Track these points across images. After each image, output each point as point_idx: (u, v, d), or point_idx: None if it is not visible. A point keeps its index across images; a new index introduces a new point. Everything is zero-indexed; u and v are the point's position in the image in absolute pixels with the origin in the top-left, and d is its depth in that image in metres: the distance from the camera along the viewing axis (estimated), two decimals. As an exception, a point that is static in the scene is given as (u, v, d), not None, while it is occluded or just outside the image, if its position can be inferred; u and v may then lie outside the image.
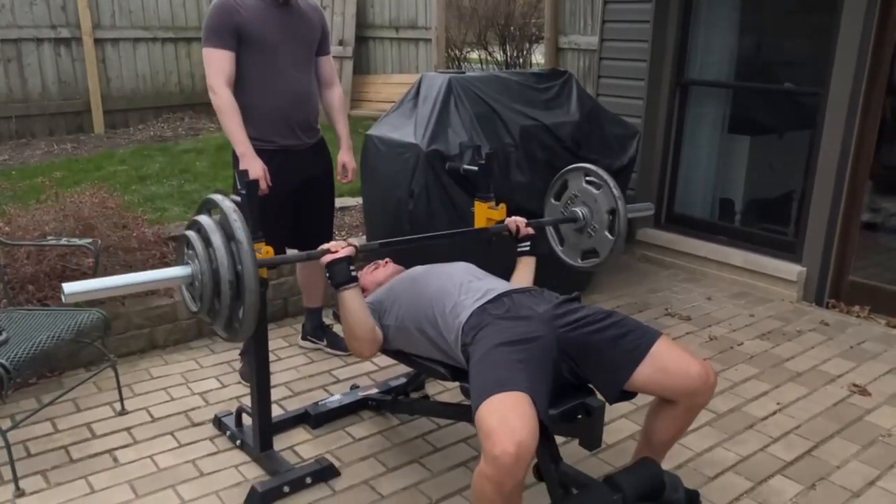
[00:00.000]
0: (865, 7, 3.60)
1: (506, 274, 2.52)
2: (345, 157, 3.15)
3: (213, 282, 1.87)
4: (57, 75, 7.18)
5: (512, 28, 10.10)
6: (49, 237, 3.19)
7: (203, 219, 1.92)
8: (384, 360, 3.14)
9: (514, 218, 2.60)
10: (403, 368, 2.88)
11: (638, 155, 4.26)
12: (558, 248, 2.87)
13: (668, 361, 1.99)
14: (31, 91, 7.06)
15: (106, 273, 3.31)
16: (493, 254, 2.68)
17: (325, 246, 2.18)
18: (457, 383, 2.21)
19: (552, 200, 2.86)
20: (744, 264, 4.26)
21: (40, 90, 7.11)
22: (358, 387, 3.00)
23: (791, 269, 4.06)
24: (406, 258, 2.73)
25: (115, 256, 3.40)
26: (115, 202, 3.67)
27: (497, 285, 2.26)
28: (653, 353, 2.00)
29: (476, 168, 2.90)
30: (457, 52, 10.60)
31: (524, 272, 2.58)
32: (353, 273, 2.17)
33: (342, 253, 2.15)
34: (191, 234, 1.93)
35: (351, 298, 2.17)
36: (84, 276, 3.21)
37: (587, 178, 2.71)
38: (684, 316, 3.85)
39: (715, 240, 4.47)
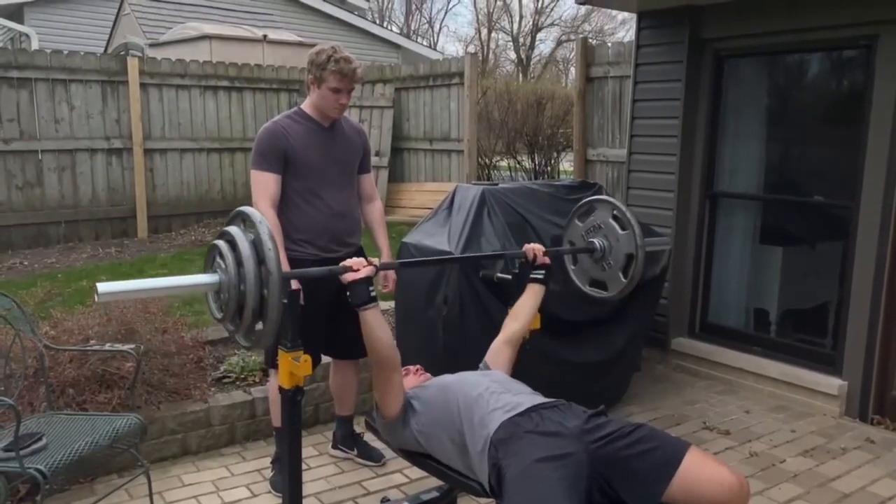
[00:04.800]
0: (892, 121, 3.68)
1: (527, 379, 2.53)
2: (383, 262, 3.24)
3: (237, 303, 1.91)
4: (107, 183, 7.55)
5: (540, 138, 10.43)
6: (92, 341, 3.27)
7: (237, 234, 1.94)
8: (415, 472, 3.09)
9: (532, 245, 2.68)
10: (435, 481, 2.82)
11: (670, 265, 4.29)
12: (570, 267, 2.87)
13: (700, 473, 1.98)
14: (81, 197, 7.41)
15: (143, 377, 3.37)
16: (524, 362, 2.68)
17: (346, 262, 2.25)
18: (490, 500, 2.17)
19: (576, 221, 2.87)
20: (782, 377, 4.17)
21: (90, 197, 7.46)
22: (389, 500, 2.94)
23: (831, 383, 3.96)
24: (438, 368, 2.74)
25: (153, 360, 3.46)
26: (157, 307, 3.77)
27: (525, 399, 2.26)
28: (684, 466, 1.98)
29: (509, 276, 2.95)
30: (487, 160, 10.93)
31: (530, 299, 2.68)
32: (373, 293, 2.25)
33: (363, 273, 2.24)
34: (222, 245, 1.96)
35: (371, 317, 2.25)
36: (123, 379, 3.26)
37: (614, 214, 2.74)
38: (723, 430, 3.75)
39: (751, 350, 4.40)
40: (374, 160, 8.10)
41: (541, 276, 2.68)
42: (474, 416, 2.17)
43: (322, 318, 3.04)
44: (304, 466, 3.23)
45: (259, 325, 1.98)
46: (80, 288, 5.10)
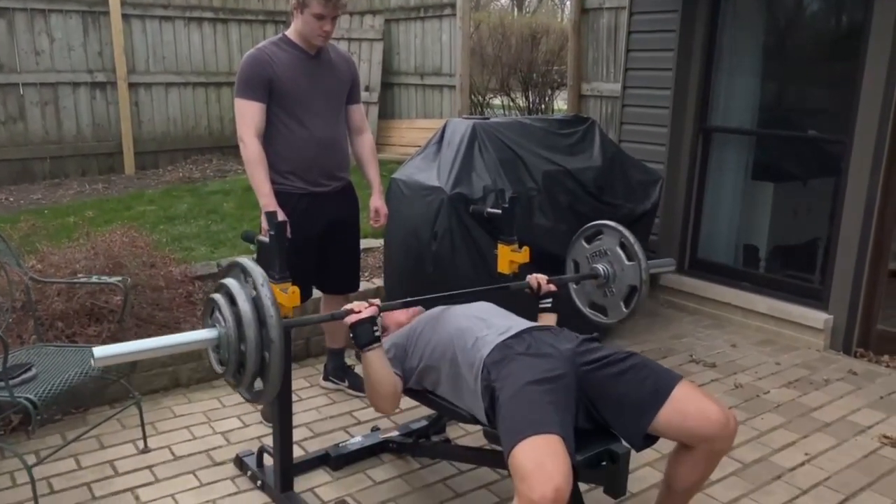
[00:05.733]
0: (889, 56, 3.62)
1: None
2: (377, 202, 3.20)
3: (237, 362, 1.87)
4: (91, 118, 7.40)
5: (534, 75, 10.26)
6: (80, 275, 3.25)
7: (236, 288, 1.88)
8: (405, 402, 3.09)
9: (535, 275, 2.59)
10: (425, 411, 2.86)
11: (661, 200, 4.27)
12: (572, 286, 2.87)
13: (688, 406, 1.99)
14: (65, 133, 7.27)
15: (133, 311, 3.36)
16: (517, 299, 2.68)
17: (349, 306, 2.20)
18: (478, 427, 2.20)
19: (583, 242, 2.84)
20: (769, 311, 4.21)
21: (75, 132, 7.32)
22: (379, 429, 2.99)
23: (817, 317, 4.01)
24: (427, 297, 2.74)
25: (142, 295, 3.45)
26: (145, 241, 3.74)
27: (518, 323, 2.27)
28: (673, 397, 1.99)
29: (499, 211, 2.93)
30: (480, 97, 10.76)
31: None
32: (377, 333, 2.19)
33: (366, 314, 2.16)
34: (220, 299, 1.91)
35: (375, 359, 2.19)
36: (112, 313, 3.26)
37: (622, 243, 2.69)
38: (709, 363, 3.80)
39: (739, 286, 4.44)
40: (364, 95, 7.95)
41: (549, 305, 2.58)
42: (467, 342, 2.18)
43: (312, 251, 3.02)
44: (295, 398, 3.28)
45: (259, 384, 1.93)
46: (66, 223, 5.05)
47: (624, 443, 2.05)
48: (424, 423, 2.90)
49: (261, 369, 1.87)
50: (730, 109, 4.60)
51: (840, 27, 4.22)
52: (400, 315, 2.64)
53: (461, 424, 2.99)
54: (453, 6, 7.56)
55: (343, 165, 3.09)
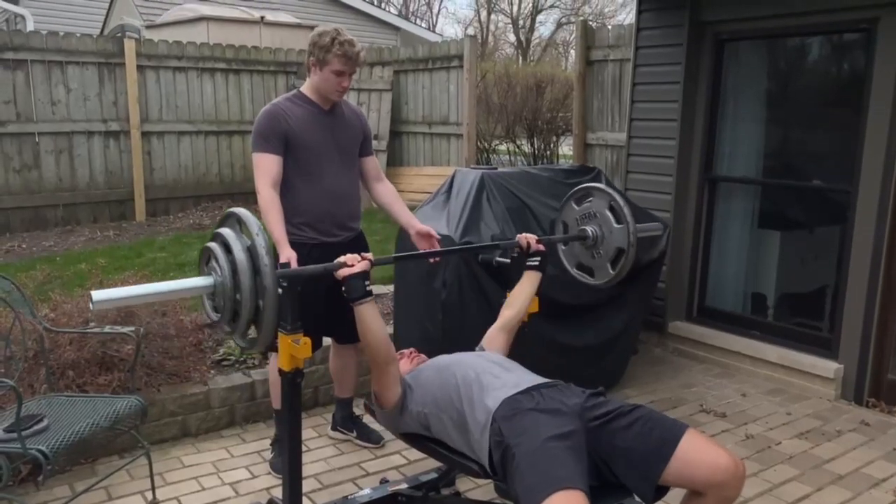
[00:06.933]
0: (891, 105, 3.67)
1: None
2: (418, 226, 3.06)
3: (233, 310, 1.90)
4: (104, 165, 7.53)
5: (539, 122, 10.40)
6: (92, 323, 3.28)
7: (231, 237, 1.92)
8: (414, 454, 3.11)
9: (525, 234, 2.69)
10: (434, 462, 2.84)
11: (668, 249, 4.29)
12: (560, 247, 2.89)
13: (696, 454, 2.00)
14: (79, 180, 7.39)
15: (143, 360, 3.38)
16: (522, 345, 2.70)
17: (341, 259, 2.23)
18: (489, 480, 2.19)
19: (572, 203, 2.86)
20: (778, 360, 4.19)
21: (88, 179, 7.44)
22: (388, 481, 2.96)
23: (828, 367, 3.98)
24: (437, 351, 2.75)
25: (153, 343, 3.47)
26: (156, 290, 3.77)
27: (524, 378, 2.28)
28: (681, 447, 2.00)
29: (508, 260, 2.95)
30: (486, 144, 10.91)
31: (527, 284, 2.69)
32: (369, 288, 2.23)
33: (358, 268, 2.21)
34: (216, 248, 1.94)
35: (366, 312, 2.23)
36: (123, 362, 3.28)
37: (611, 206, 2.73)
38: (719, 413, 3.77)
39: (748, 334, 4.43)
40: (372, 143, 8.07)
41: (536, 263, 2.70)
42: (474, 394, 2.19)
43: (322, 300, 3.04)
44: (303, 448, 3.24)
45: (253, 332, 1.97)
46: (78, 271, 5.09)
47: (636, 497, 2.03)
48: (434, 475, 2.87)
49: (255, 317, 1.90)
50: (735, 159, 4.66)
51: (842, 78, 4.30)
52: (404, 367, 2.64)
53: (471, 477, 2.96)
54: (460, 58, 7.73)
55: (355, 216, 3.14)
